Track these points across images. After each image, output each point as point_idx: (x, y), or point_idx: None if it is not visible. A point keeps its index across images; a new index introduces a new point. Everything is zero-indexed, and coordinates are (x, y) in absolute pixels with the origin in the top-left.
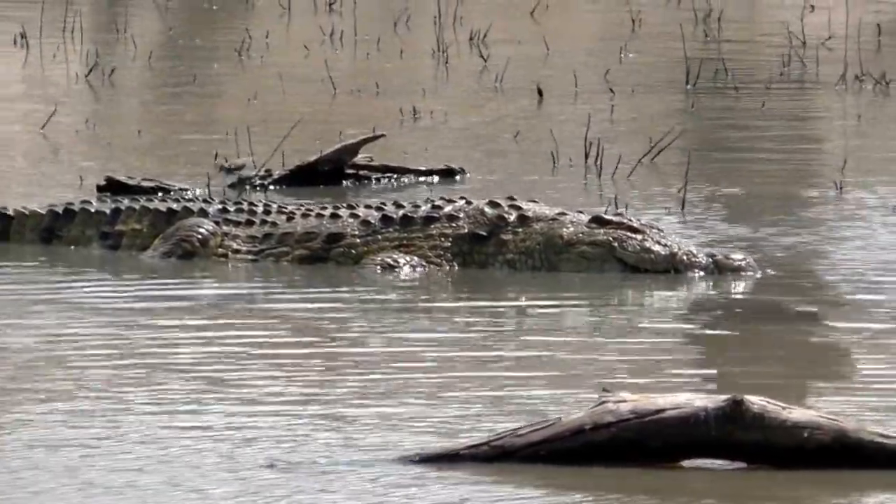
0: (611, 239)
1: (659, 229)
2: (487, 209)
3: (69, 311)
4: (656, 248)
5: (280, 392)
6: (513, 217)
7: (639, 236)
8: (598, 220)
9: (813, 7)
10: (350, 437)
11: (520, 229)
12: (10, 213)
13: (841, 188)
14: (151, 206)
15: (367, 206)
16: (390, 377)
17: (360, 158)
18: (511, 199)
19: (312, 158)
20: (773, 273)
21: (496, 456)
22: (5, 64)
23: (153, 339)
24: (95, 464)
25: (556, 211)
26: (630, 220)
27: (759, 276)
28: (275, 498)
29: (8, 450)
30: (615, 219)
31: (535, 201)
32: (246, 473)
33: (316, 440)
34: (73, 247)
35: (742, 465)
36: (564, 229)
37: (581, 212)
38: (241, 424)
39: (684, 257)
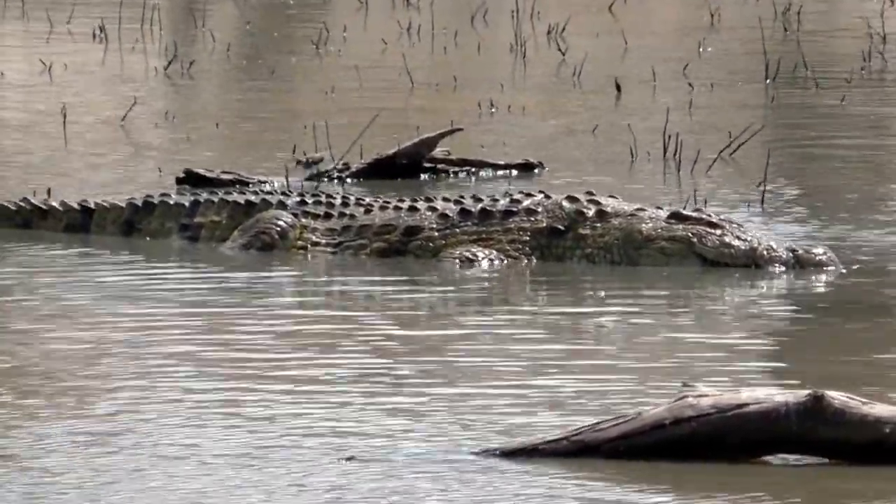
0: (690, 234)
1: (738, 224)
2: (566, 204)
3: (150, 303)
4: (736, 242)
5: (358, 384)
6: (591, 212)
7: (718, 231)
8: (676, 216)
9: (893, 1)
10: (429, 430)
11: (598, 224)
12: (92, 206)
13: None
14: (230, 198)
15: (446, 200)
16: (469, 371)
17: (438, 152)
18: (590, 193)
19: (390, 152)
20: (854, 268)
21: (575, 451)
22: (85, 58)
23: (232, 331)
24: (170, 453)
25: (635, 206)
26: (709, 216)
27: (840, 270)
28: (355, 491)
29: (84, 434)
30: (694, 214)
31: (614, 196)
32: (327, 466)
33: (396, 433)
34: (153, 239)
35: (823, 460)
36: (643, 225)
37: (660, 207)
38: (320, 417)
39: (764, 252)
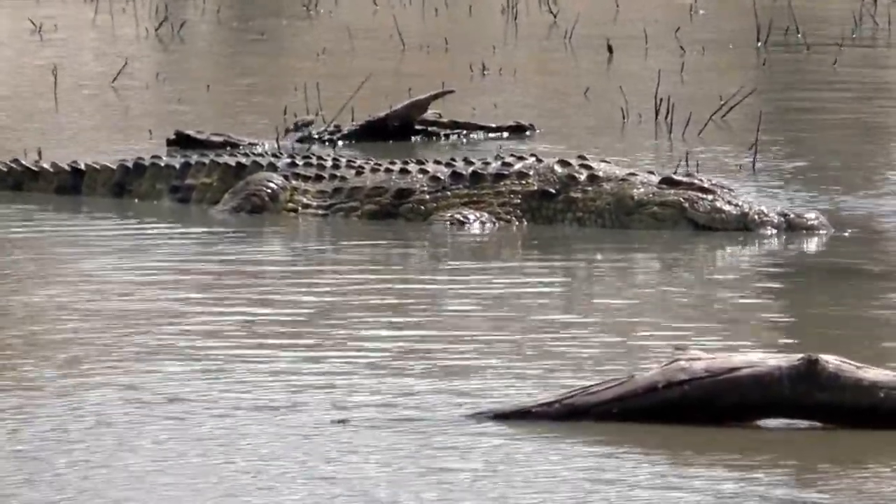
0: (682, 199)
1: (730, 189)
2: (558, 167)
3: (139, 264)
4: (727, 207)
5: (350, 348)
6: (583, 176)
7: (710, 196)
8: (668, 181)
9: None
10: (421, 392)
11: (590, 188)
12: (82, 167)
13: None
14: (221, 160)
15: (437, 162)
16: (460, 334)
17: (430, 114)
18: (582, 157)
19: (382, 114)
20: (846, 231)
21: (568, 414)
22: (75, 19)
23: (222, 292)
24: (166, 411)
25: (627, 171)
26: (701, 180)
27: (832, 234)
28: (345, 453)
29: (83, 395)
30: (685, 179)
31: (605, 161)
32: (318, 428)
33: (387, 395)
34: (143, 201)
35: (816, 425)
36: (635, 190)
37: (651, 172)
38: (311, 381)
39: (756, 217)
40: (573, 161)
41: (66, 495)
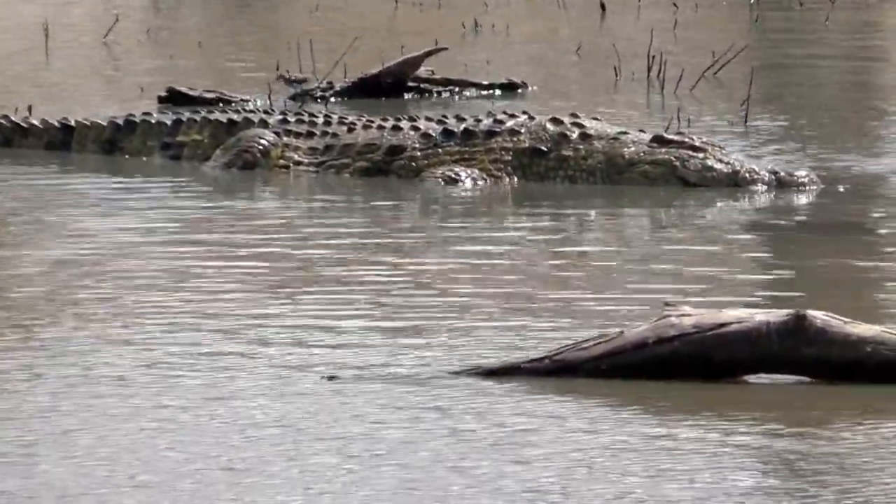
0: (672, 158)
1: (721, 147)
2: (549, 125)
3: (129, 220)
4: (718, 165)
5: (340, 304)
6: (575, 135)
7: (700, 154)
8: (659, 140)
9: None
10: (411, 349)
11: (581, 147)
12: (73, 124)
13: None
14: (212, 117)
15: (429, 119)
16: (451, 290)
17: (422, 72)
18: (574, 115)
19: (374, 71)
20: (837, 189)
21: (557, 370)
22: None
23: (213, 249)
24: (151, 361)
25: (618, 130)
26: (691, 139)
27: (822, 190)
28: (332, 409)
29: (77, 345)
30: (676, 137)
31: (597, 118)
32: (308, 386)
33: (377, 353)
34: (134, 157)
35: (804, 379)
36: (626, 149)
37: (642, 130)
38: (301, 337)
39: (746, 175)
40: (565, 119)
41: (74, 455)
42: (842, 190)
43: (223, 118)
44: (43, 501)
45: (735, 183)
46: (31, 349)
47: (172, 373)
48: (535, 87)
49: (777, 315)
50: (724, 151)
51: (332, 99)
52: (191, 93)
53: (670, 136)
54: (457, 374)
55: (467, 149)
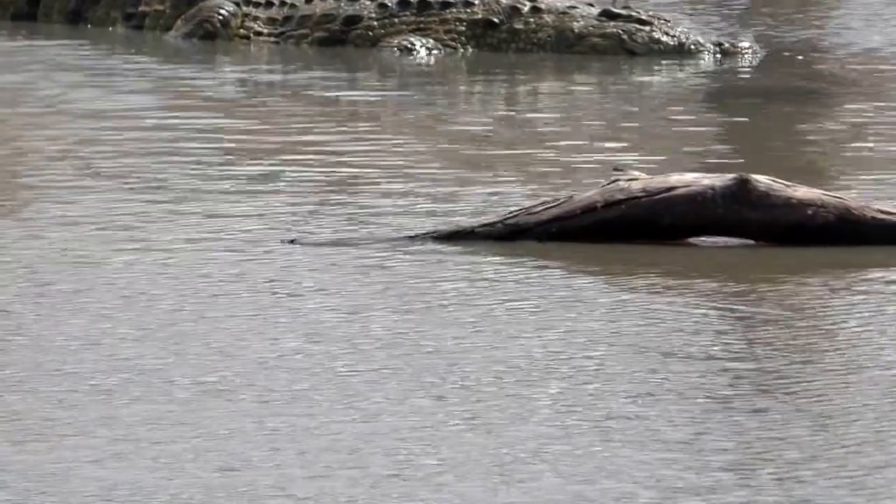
0: (620, 31)
1: (666, 20)
2: None
3: (93, 88)
4: (664, 38)
5: (299, 170)
6: (526, 8)
7: (647, 27)
8: (607, 14)
9: None
10: (369, 216)
11: (532, 20)
12: None
13: None
14: None
15: None
16: (405, 157)
17: None
18: None
19: None
20: (781, 56)
21: (509, 234)
22: None
23: (175, 118)
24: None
25: (568, 4)
26: (638, 13)
27: (765, 59)
28: (288, 271)
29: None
30: (624, 11)
31: None
32: (268, 248)
33: (335, 218)
34: (98, 27)
35: (748, 242)
36: (575, 22)
37: (591, 4)
38: (264, 203)
39: (692, 46)
40: None
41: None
42: (780, 59)
43: None
44: None
45: (680, 55)
46: None
47: (129, 246)
48: None
49: (722, 179)
50: (669, 24)
51: None
52: None
53: (618, 10)
54: (411, 238)
55: (423, 19)
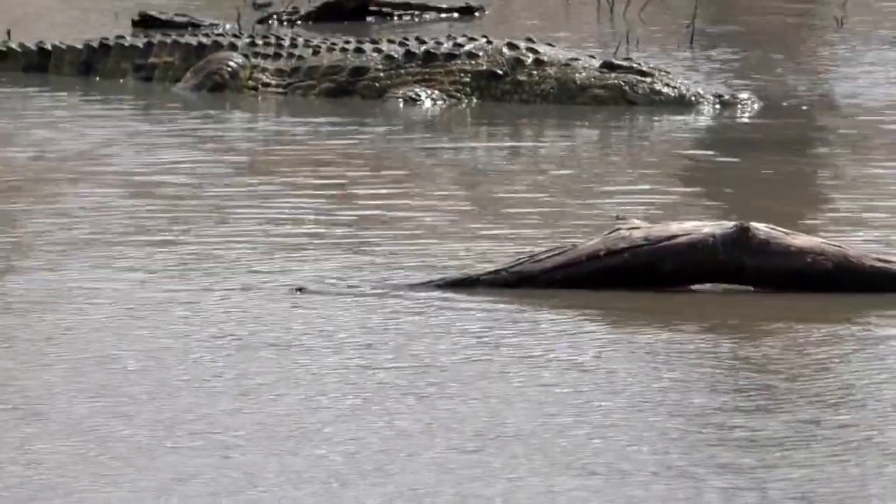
0: (621, 83)
1: (667, 72)
2: (506, 50)
3: (105, 138)
4: (665, 90)
5: (306, 218)
6: (529, 59)
7: (648, 79)
8: (608, 65)
9: None
10: (374, 263)
11: (535, 72)
12: (49, 47)
13: (842, 23)
14: (183, 40)
15: (391, 42)
16: (411, 207)
17: None
18: (529, 40)
19: None
20: (780, 107)
21: (514, 282)
22: None
23: (182, 166)
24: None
25: (570, 56)
26: (639, 64)
27: (763, 111)
28: (298, 320)
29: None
30: (625, 63)
31: (551, 44)
32: (275, 297)
33: (339, 266)
34: (108, 79)
35: (748, 289)
36: (577, 74)
37: (593, 56)
38: (269, 250)
39: (692, 98)
40: (521, 44)
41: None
42: (778, 111)
43: (194, 41)
44: None
45: (681, 106)
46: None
47: (142, 294)
48: (490, 11)
49: (722, 227)
50: (670, 76)
51: (298, 23)
52: (162, 17)
53: (619, 62)
54: (417, 286)
55: (428, 70)
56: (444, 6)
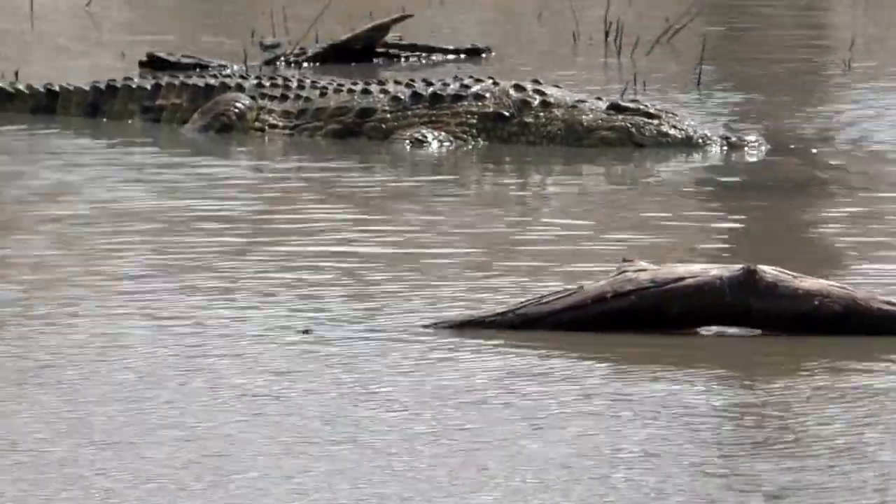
0: (629, 125)
1: (674, 113)
2: (513, 91)
3: (112, 181)
4: (672, 132)
5: (310, 262)
6: (536, 101)
7: (655, 121)
8: (615, 107)
9: None
10: (379, 306)
11: (542, 114)
12: (56, 89)
13: (850, 66)
14: (191, 81)
15: (398, 83)
16: (419, 248)
17: (390, 37)
18: (536, 82)
19: (345, 37)
20: (787, 150)
21: (520, 324)
22: None
23: (190, 210)
24: (144, 313)
25: (577, 98)
26: (646, 106)
27: (772, 152)
28: (305, 363)
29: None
30: (632, 105)
31: (558, 86)
32: (282, 340)
33: (349, 307)
34: (115, 121)
35: (756, 331)
36: (584, 116)
37: (599, 98)
38: (275, 293)
39: (699, 140)
40: (527, 86)
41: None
42: (787, 153)
43: (201, 83)
44: None
45: (688, 148)
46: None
47: (146, 333)
48: (496, 53)
49: (729, 270)
50: (677, 118)
51: (305, 64)
52: (170, 58)
53: (626, 104)
54: (424, 328)
55: (435, 112)
56: (451, 47)
